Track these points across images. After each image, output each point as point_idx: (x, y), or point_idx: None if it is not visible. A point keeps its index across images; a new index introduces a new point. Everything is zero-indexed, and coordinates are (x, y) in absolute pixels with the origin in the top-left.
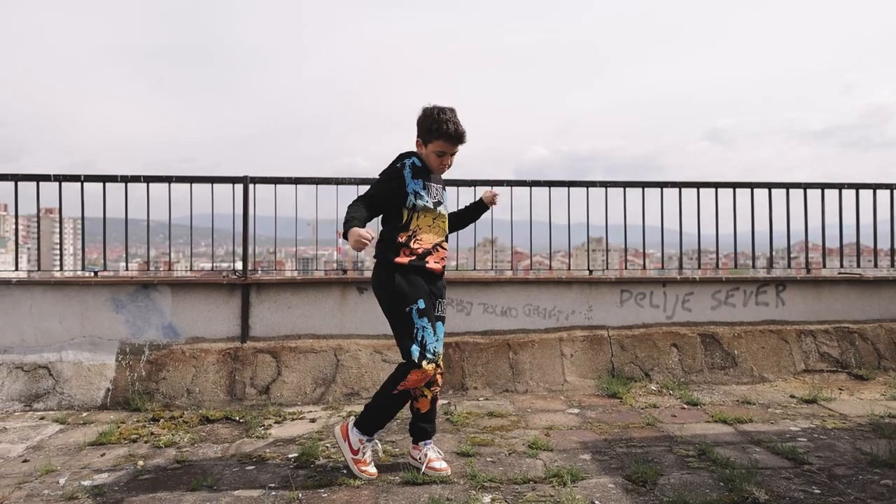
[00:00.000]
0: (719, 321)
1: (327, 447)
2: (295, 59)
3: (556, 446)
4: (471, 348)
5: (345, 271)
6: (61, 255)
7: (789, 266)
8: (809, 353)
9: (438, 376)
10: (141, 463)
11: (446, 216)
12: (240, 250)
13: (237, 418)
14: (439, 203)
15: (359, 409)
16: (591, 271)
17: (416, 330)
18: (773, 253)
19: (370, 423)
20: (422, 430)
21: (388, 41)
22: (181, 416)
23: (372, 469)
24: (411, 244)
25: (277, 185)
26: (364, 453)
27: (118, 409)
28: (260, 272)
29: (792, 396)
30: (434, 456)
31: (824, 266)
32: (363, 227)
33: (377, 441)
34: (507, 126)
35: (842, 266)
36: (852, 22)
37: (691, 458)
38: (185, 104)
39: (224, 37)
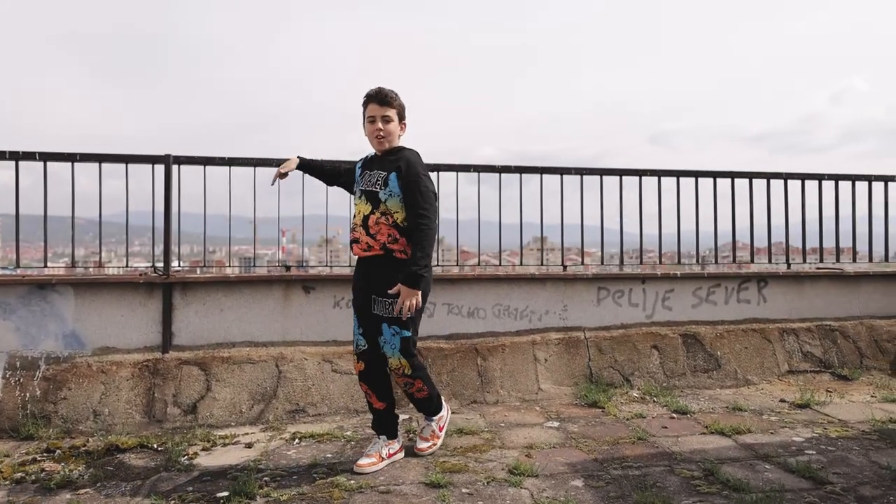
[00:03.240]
0: (701, 320)
1: (266, 482)
2: (254, 54)
3: (542, 471)
4: (434, 354)
5: (288, 268)
6: None
7: (770, 261)
8: (793, 352)
9: (398, 380)
10: None
11: (379, 204)
12: (159, 246)
13: (155, 446)
14: (368, 192)
15: (304, 428)
16: (565, 267)
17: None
18: (736, 248)
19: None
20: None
21: (352, 40)
22: (84, 446)
23: (361, 460)
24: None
25: (207, 167)
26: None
27: (3, 439)
28: (186, 269)
29: (782, 401)
30: (424, 435)
31: (804, 261)
32: (307, 161)
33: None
34: (459, 126)
35: (821, 261)
36: (789, 31)
37: (698, 481)
38: (134, 96)
39: (178, 27)
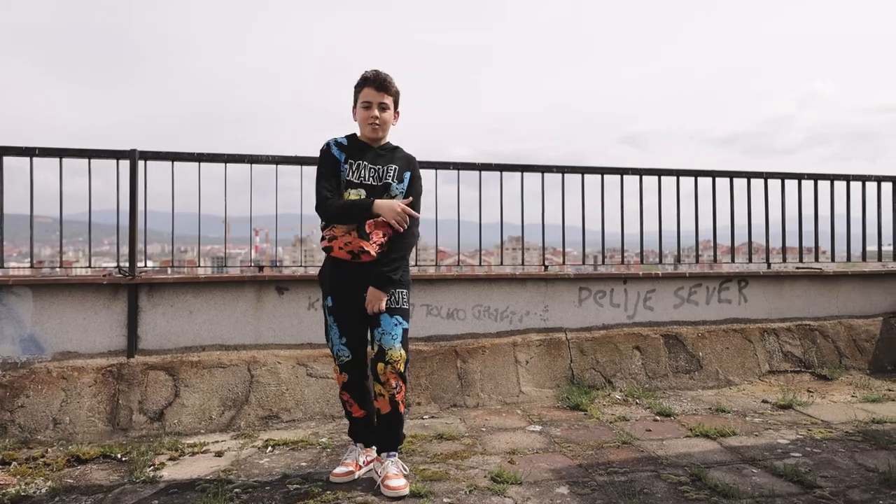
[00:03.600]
0: (682, 321)
1: (237, 494)
2: (219, 51)
3: (525, 477)
4: (412, 357)
5: (261, 268)
6: None
7: (750, 260)
8: (773, 352)
9: (391, 377)
10: None
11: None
12: (126, 245)
13: (119, 456)
14: (365, 184)
15: (278, 434)
16: (546, 266)
17: (326, 329)
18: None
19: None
20: (379, 437)
21: (325, 36)
22: (42, 457)
23: (338, 469)
24: (329, 228)
25: (176, 163)
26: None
27: None
28: (156, 269)
29: (765, 402)
30: (394, 472)
31: (784, 260)
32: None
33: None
34: (431, 126)
35: (801, 260)
36: (757, 33)
37: (686, 487)
38: (97, 92)
39: (139, 23)
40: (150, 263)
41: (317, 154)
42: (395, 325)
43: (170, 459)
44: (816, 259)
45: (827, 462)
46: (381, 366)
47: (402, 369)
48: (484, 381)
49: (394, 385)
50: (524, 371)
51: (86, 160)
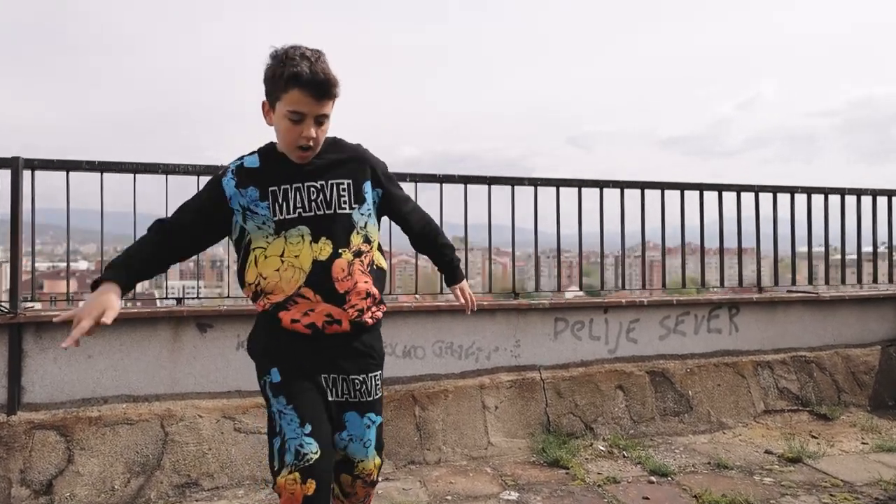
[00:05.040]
0: (669, 354)
1: None
2: (176, 47)
3: None
4: None
5: (179, 300)
6: None
7: (741, 284)
8: (768, 389)
9: (360, 490)
10: None
11: (353, 234)
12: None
13: None
14: (307, 216)
15: None
16: (516, 294)
17: (270, 422)
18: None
19: None
20: None
21: (275, 35)
22: None
23: None
24: (261, 297)
25: (72, 173)
26: None
27: None
28: (40, 306)
29: (768, 452)
30: None
31: (776, 283)
32: (126, 280)
33: None
34: (380, 124)
35: (793, 283)
36: (701, 36)
37: None
38: (33, 87)
39: (76, 17)
40: (34, 297)
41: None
42: (367, 426)
43: None
44: (810, 282)
45: None
46: (346, 478)
47: (375, 478)
48: (447, 431)
49: (362, 497)
50: (493, 418)
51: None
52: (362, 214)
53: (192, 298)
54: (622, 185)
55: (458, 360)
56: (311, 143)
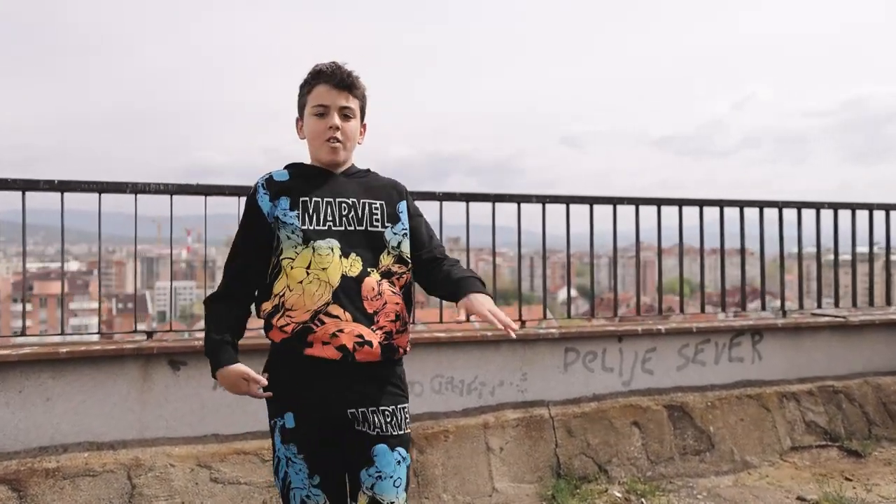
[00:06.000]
0: (688, 386)
1: None
2: (162, 45)
3: None
4: None
5: (149, 334)
6: None
7: (763, 308)
8: (794, 423)
9: None
10: None
11: (384, 254)
12: None
13: None
14: (336, 231)
15: None
16: (523, 322)
17: (276, 462)
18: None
19: None
20: None
21: (266, 34)
22: None
23: None
24: (280, 315)
25: (30, 193)
26: None
27: None
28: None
29: (801, 500)
30: None
31: (801, 307)
32: (236, 355)
33: None
34: (372, 123)
35: (819, 306)
36: (694, 35)
37: None
38: (15, 85)
39: (55, 15)
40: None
41: (252, 157)
42: (398, 462)
43: None
44: (836, 304)
45: None
46: None
47: None
48: (447, 476)
49: None
50: (498, 461)
51: None
52: (395, 234)
53: (165, 332)
54: (637, 202)
55: (459, 397)
56: (338, 136)
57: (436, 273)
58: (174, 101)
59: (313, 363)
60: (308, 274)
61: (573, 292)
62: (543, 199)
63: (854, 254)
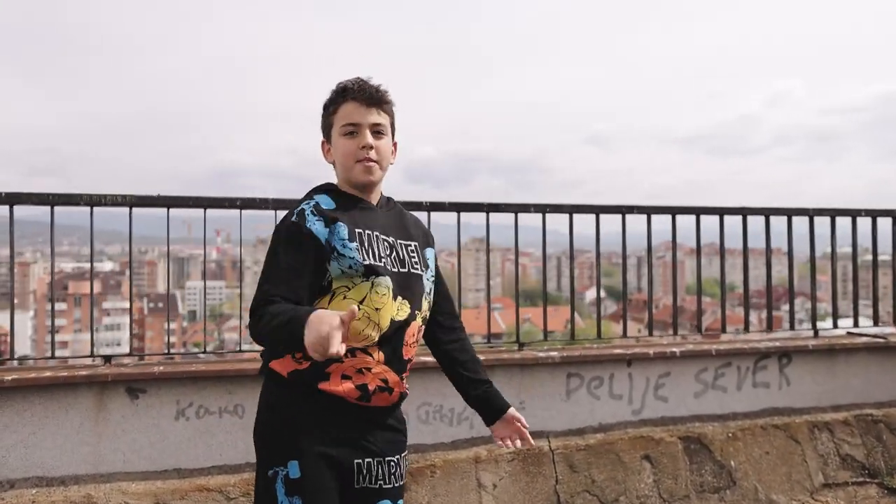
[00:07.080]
0: (706, 414)
1: None
2: (185, 48)
3: None
4: None
5: (107, 360)
6: None
7: (792, 327)
8: (827, 457)
9: None
10: None
11: (424, 300)
12: None
13: None
14: (405, 277)
15: None
16: (521, 345)
17: None
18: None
19: None
20: None
21: (291, 37)
22: None
23: None
24: None
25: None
26: None
27: None
28: None
29: None
30: None
31: (835, 325)
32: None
33: None
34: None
35: (856, 324)
36: (718, 33)
37: None
38: (41, 89)
39: (84, 18)
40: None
41: (268, 162)
42: None
43: None
44: (876, 322)
45: None
46: None
47: None
48: None
49: None
50: (491, 500)
51: None
52: (429, 280)
53: (125, 356)
54: (648, 211)
55: (448, 427)
56: (372, 155)
57: (452, 361)
58: (196, 103)
59: (325, 402)
60: (360, 309)
61: (602, 293)
62: (543, 209)
63: (895, 267)
